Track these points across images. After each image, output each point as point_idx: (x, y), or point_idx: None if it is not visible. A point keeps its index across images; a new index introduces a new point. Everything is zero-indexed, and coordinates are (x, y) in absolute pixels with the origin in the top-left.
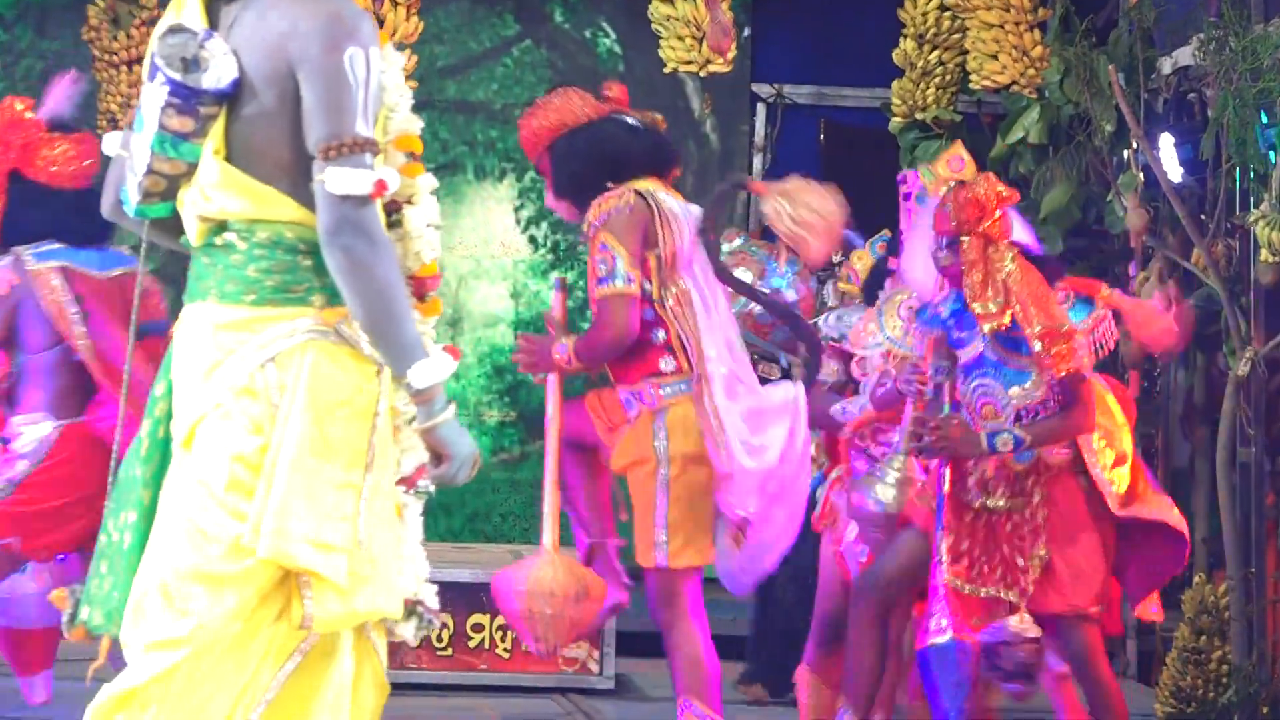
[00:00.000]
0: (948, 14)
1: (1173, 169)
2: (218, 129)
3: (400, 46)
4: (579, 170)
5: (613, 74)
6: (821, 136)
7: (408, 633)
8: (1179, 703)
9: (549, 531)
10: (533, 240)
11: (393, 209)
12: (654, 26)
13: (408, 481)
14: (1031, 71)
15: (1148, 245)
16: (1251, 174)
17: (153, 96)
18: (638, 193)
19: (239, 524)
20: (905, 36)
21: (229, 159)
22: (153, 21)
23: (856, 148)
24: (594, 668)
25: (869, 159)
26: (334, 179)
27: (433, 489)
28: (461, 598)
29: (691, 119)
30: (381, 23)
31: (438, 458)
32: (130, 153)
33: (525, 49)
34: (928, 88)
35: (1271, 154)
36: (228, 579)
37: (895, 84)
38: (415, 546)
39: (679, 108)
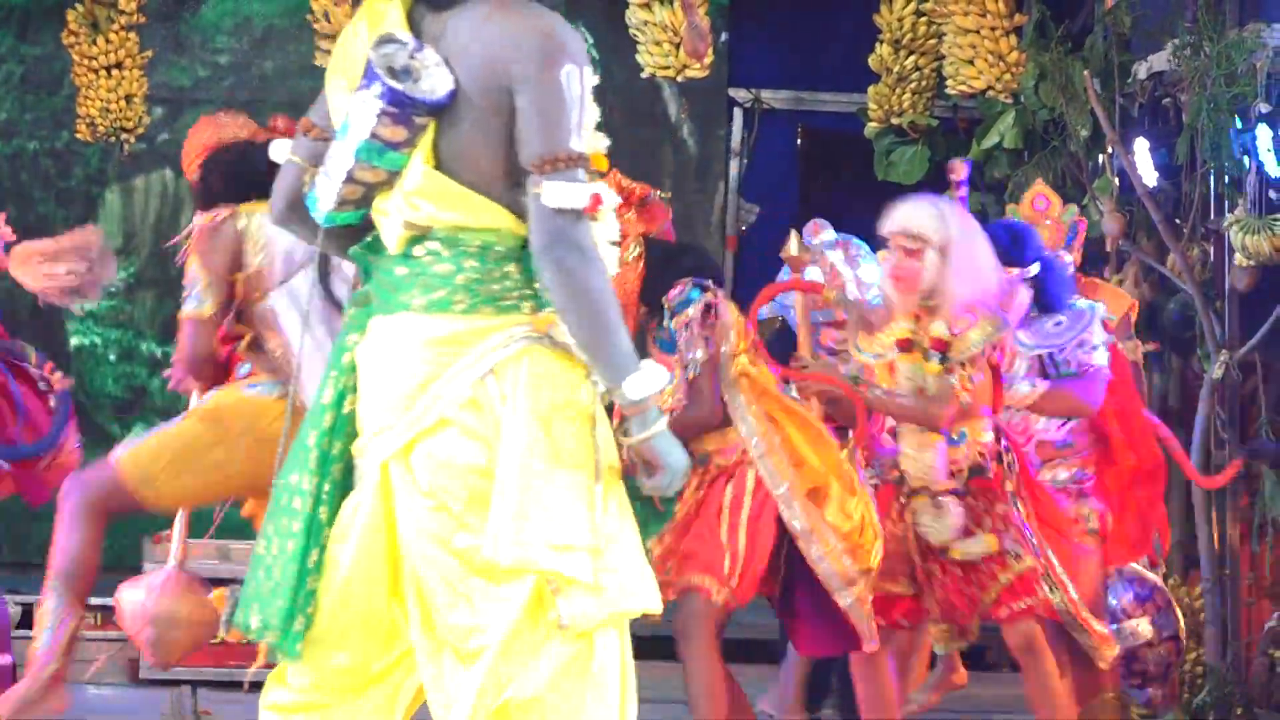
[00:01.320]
0: (924, 19)
1: (1148, 174)
2: (427, 138)
3: None
4: (214, 187)
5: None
6: (799, 141)
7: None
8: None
9: (175, 553)
10: None
11: None
12: (631, 32)
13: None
14: (1007, 77)
15: (1123, 249)
16: (1226, 179)
17: (365, 105)
18: (234, 215)
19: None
20: (881, 42)
21: (437, 167)
22: (131, 27)
23: (833, 152)
24: None
25: (846, 164)
26: (550, 193)
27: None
28: None
29: (669, 124)
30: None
31: (650, 468)
32: (328, 160)
33: None
34: (904, 93)
35: (1246, 159)
36: (492, 592)
37: (871, 89)
38: None
39: (656, 113)
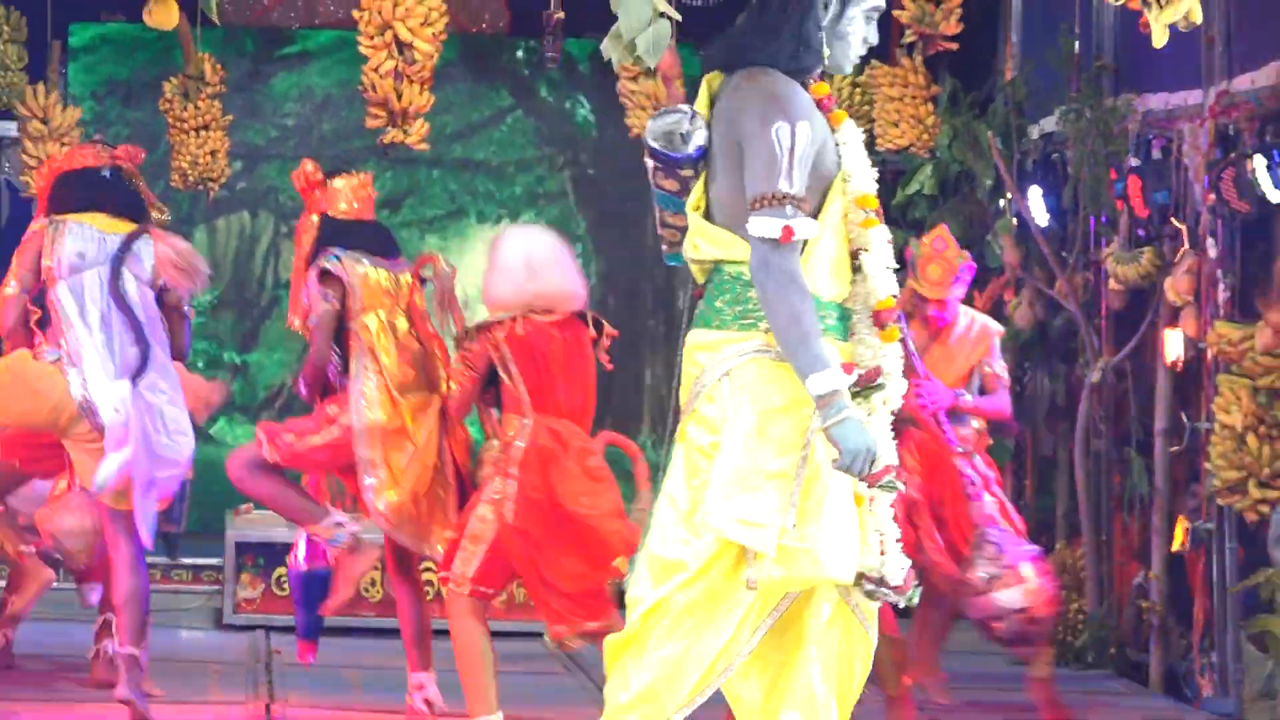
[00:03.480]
0: (859, 89)
1: (1040, 215)
2: (698, 188)
3: (414, 116)
4: (53, 199)
5: (587, 139)
6: None
7: (858, 598)
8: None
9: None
10: None
11: (855, 255)
12: (621, 99)
13: (872, 478)
14: (926, 136)
15: (1020, 277)
16: (1103, 220)
17: (647, 163)
18: (50, 222)
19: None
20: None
21: (708, 212)
22: (216, 96)
23: None
24: None
25: None
26: (754, 225)
27: (901, 486)
28: None
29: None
30: (400, 96)
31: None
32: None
33: (517, 118)
34: None
35: (1118, 204)
36: (701, 549)
37: None
38: (884, 530)
39: (642, 167)
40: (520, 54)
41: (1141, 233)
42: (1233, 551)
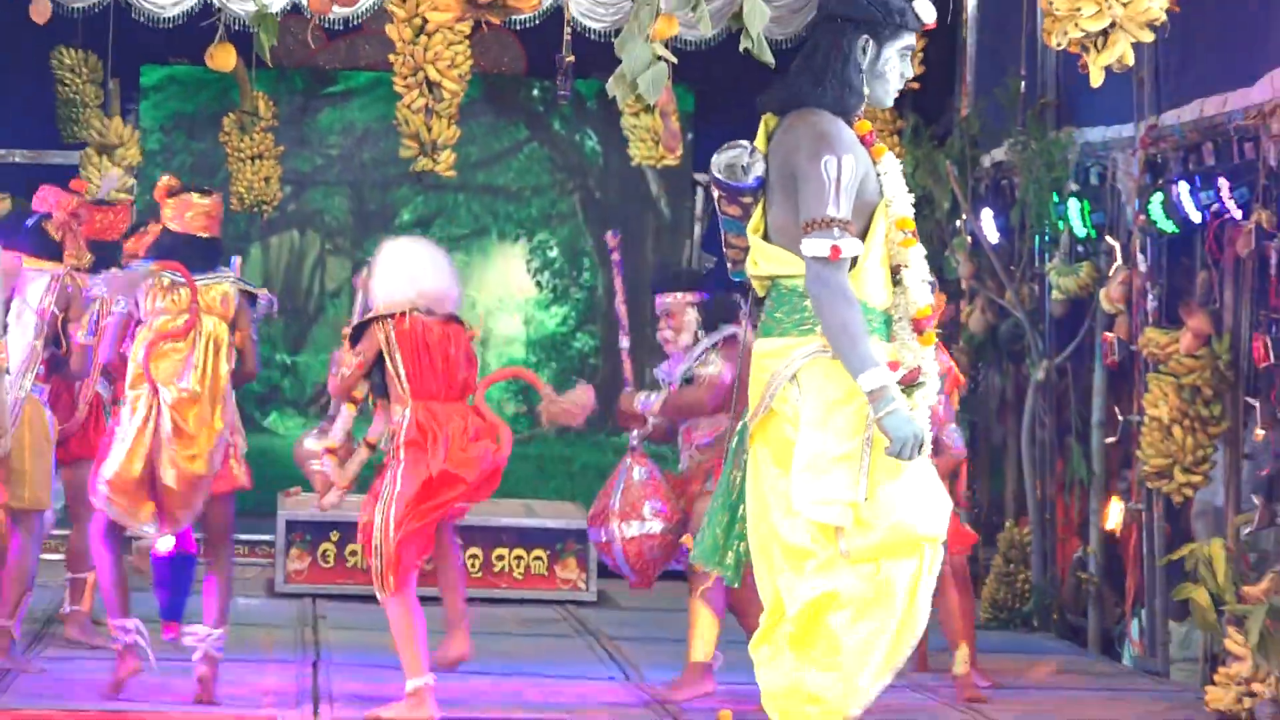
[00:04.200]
0: None
1: (991, 234)
2: (758, 213)
3: (443, 147)
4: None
5: (594, 166)
6: None
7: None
8: (996, 611)
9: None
10: (538, 283)
11: (895, 270)
12: (624, 132)
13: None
14: None
15: (974, 287)
16: (1047, 237)
17: (715, 192)
18: None
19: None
20: None
21: (766, 234)
22: (269, 129)
23: None
24: (582, 585)
25: None
26: (807, 246)
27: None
28: (488, 537)
29: (650, 198)
30: (430, 130)
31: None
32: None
33: (533, 149)
34: None
35: (1060, 224)
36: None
37: None
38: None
39: (641, 191)
40: (535, 92)
41: (1080, 249)
42: (1160, 529)
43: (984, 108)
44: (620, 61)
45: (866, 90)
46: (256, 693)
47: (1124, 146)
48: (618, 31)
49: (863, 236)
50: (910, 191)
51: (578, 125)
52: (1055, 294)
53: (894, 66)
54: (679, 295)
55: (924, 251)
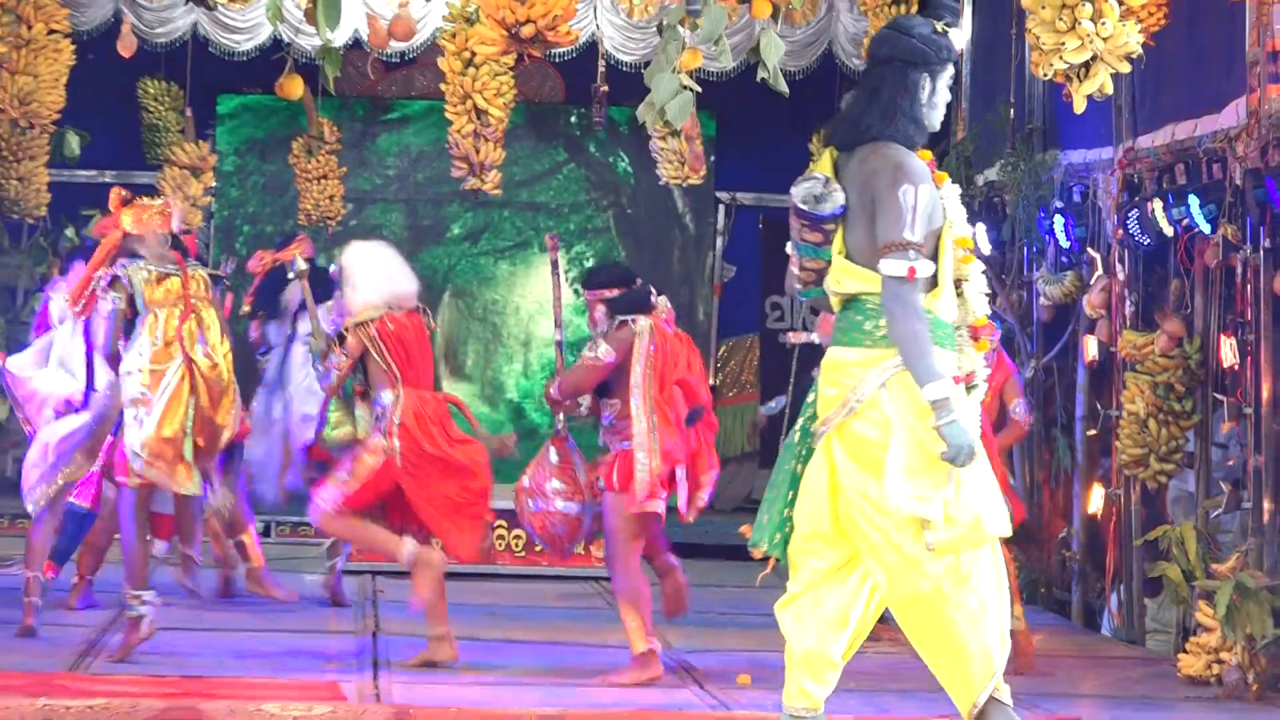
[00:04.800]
0: None
1: (984, 246)
2: (838, 237)
3: (489, 168)
4: None
5: (626, 186)
6: (760, 226)
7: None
8: None
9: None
10: (575, 291)
11: (957, 284)
12: (653, 155)
13: None
14: None
15: None
16: (1035, 249)
17: (792, 222)
18: None
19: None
20: (817, 161)
21: (847, 254)
22: (333, 152)
23: (783, 233)
24: None
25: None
26: (885, 266)
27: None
28: None
29: (677, 214)
30: (478, 152)
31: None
32: (791, 258)
33: (570, 169)
34: None
35: (1046, 237)
36: (891, 525)
37: None
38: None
39: (669, 208)
40: (573, 119)
41: (1065, 260)
42: (1137, 513)
43: (977, 132)
44: (649, 90)
45: (927, 123)
46: (321, 657)
47: (1104, 167)
48: (647, 63)
49: (933, 257)
50: None
51: (611, 148)
52: (1042, 300)
53: (943, 96)
54: (592, 292)
55: (982, 267)
